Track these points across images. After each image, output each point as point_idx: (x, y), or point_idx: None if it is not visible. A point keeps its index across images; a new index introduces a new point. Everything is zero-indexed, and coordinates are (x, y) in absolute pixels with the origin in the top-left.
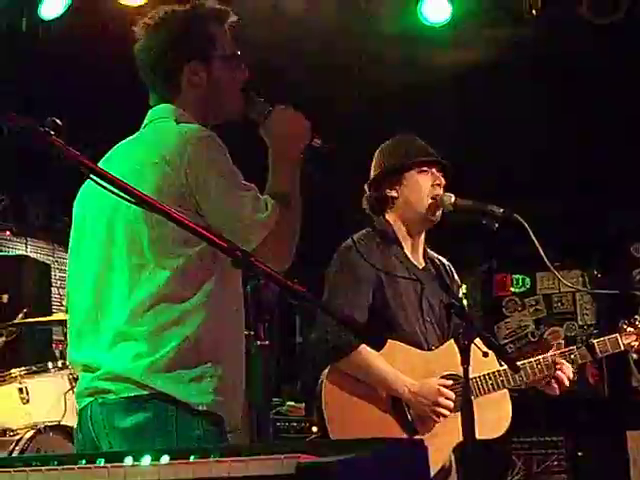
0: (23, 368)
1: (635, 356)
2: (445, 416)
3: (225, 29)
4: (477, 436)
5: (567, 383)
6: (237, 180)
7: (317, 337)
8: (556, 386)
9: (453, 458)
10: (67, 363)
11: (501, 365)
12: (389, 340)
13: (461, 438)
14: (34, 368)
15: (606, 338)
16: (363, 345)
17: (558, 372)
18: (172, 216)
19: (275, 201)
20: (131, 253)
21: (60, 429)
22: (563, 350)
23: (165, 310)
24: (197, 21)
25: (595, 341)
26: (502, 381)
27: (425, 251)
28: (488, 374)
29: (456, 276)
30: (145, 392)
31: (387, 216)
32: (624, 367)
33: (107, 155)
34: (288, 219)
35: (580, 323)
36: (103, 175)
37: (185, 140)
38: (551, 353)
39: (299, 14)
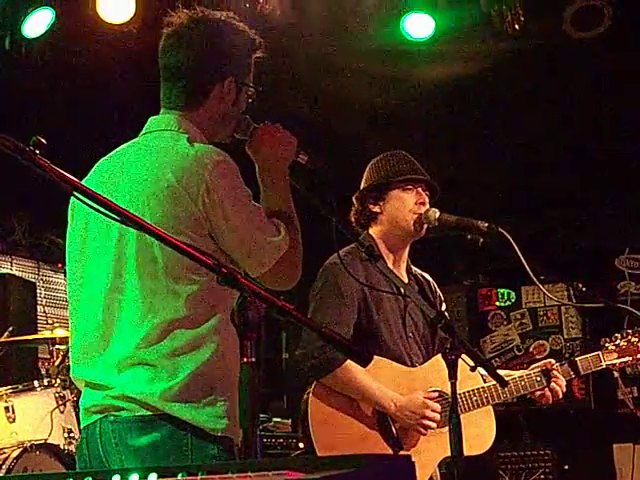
0: (9, 387)
1: (616, 374)
2: (432, 429)
3: (254, 59)
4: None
5: (560, 395)
6: (251, 204)
7: (302, 353)
8: (549, 395)
9: (438, 474)
10: (53, 381)
11: (485, 381)
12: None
13: (446, 454)
14: (20, 387)
15: (588, 356)
16: (348, 361)
17: (553, 384)
18: (167, 240)
19: (282, 222)
20: (144, 275)
21: (47, 447)
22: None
23: (179, 336)
24: (249, 45)
25: (578, 359)
26: (487, 398)
27: (408, 267)
28: (473, 390)
29: (439, 292)
30: (160, 413)
31: (371, 231)
32: (610, 380)
33: (98, 165)
34: (295, 238)
35: (566, 337)
36: (90, 195)
37: (202, 165)
38: (534, 370)
39: (282, 30)
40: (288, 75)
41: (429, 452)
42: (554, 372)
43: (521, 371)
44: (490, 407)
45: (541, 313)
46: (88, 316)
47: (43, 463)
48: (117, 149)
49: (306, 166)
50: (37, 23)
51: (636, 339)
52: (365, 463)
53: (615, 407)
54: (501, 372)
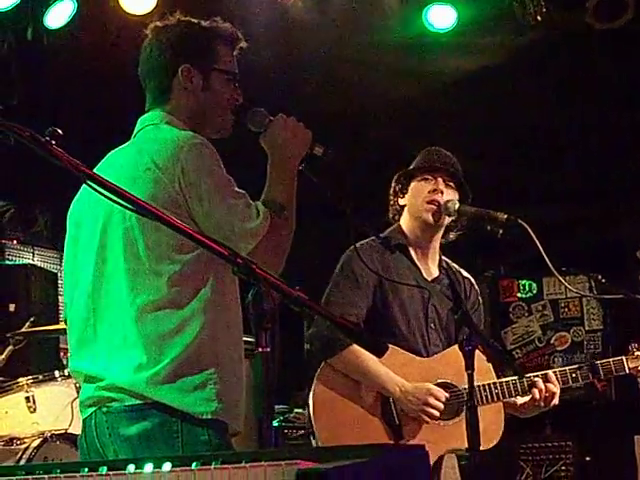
0: (30, 377)
1: None
2: (434, 417)
3: (232, 51)
4: (461, 446)
5: (549, 404)
6: (229, 187)
7: (311, 334)
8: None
9: (448, 464)
10: None
11: (500, 373)
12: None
13: (450, 446)
14: (41, 377)
15: (611, 360)
16: None
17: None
18: (176, 225)
19: (268, 209)
20: (127, 259)
21: (67, 437)
22: (564, 369)
23: (164, 317)
24: (204, 33)
25: (599, 362)
26: (497, 394)
27: (441, 260)
28: (484, 385)
29: (474, 290)
30: (149, 401)
31: (401, 223)
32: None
33: (100, 163)
34: (280, 228)
35: (587, 328)
36: (103, 183)
37: (178, 147)
38: (552, 371)
39: (303, 25)
40: (309, 69)
41: (431, 444)
42: (550, 376)
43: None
44: (500, 404)
45: (562, 305)
46: (78, 308)
47: (63, 453)
48: (112, 152)
49: (322, 158)
50: (59, 14)
51: None
52: (378, 453)
53: (637, 399)
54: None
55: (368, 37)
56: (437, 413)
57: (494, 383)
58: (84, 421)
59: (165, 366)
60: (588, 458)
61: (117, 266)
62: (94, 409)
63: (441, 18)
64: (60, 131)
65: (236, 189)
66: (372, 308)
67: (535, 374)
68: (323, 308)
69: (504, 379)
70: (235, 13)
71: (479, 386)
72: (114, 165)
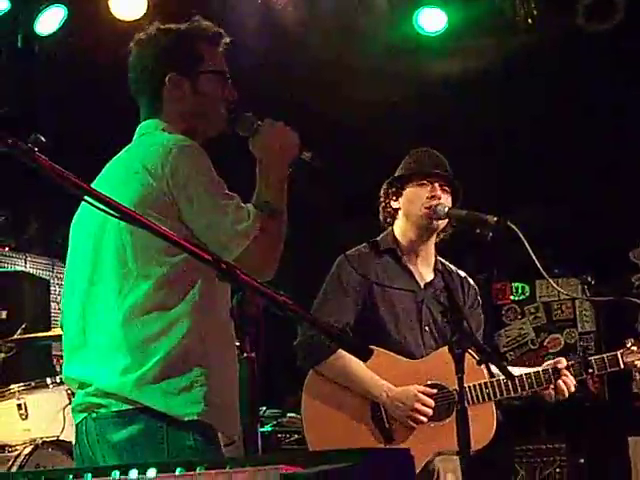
0: (22, 384)
1: (639, 376)
2: (422, 422)
3: (216, 49)
4: (452, 448)
5: (566, 394)
6: (219, 189)
7: (297, 342)
8: (552, 393)
9: (439, 467)
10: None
11: (492, 375)
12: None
13: (440, 448)
14: (33, 384)
15: (605, 356)
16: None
17: (558, 381)
18: (157, 231)
19: (259, 211)
20: (116, 263)
21: (59, 444)
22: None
23: (151, 320)
24: (185, 38)
25: (593, 359)
26: (488, 393)
27: (436, 263)
28: (475, 385)
29: (473, 289)
30: (135, 406)
31: (394, 227)
32: (625, 373)
33: (101, 173)
34: (272, 230)
35: (580, 330)
36: (88, 191)
37: (167, 149)
38: (543, 367)
39: (291, 28)
40: (299, 72)
41: (422, 445)
42: (563, 370)
43: (533, 368)
44: (492, 404)
45: (555, 307)
46: (70, 314)
47: (55, 460)
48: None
49: (310, 164)
50: (50, 20)
51: None
52: (362, 458)
53: (630, 400)
54: (515, 369)
55: (357, 40)
56: (424, 418)
57: (485, 383)
58: (77, 427)
59: (151, 368)
60: (582, 460)
61: (107, 270)
62: (84, 415)
63: (431, 21)
64: (43, 138)
65: (226, 191)
66: (361, 313)
67: (545, 368)
68: (308, 313)
69: (495, 379)
70: (223, 15)
71: (469, 386)
72: (109, 174)
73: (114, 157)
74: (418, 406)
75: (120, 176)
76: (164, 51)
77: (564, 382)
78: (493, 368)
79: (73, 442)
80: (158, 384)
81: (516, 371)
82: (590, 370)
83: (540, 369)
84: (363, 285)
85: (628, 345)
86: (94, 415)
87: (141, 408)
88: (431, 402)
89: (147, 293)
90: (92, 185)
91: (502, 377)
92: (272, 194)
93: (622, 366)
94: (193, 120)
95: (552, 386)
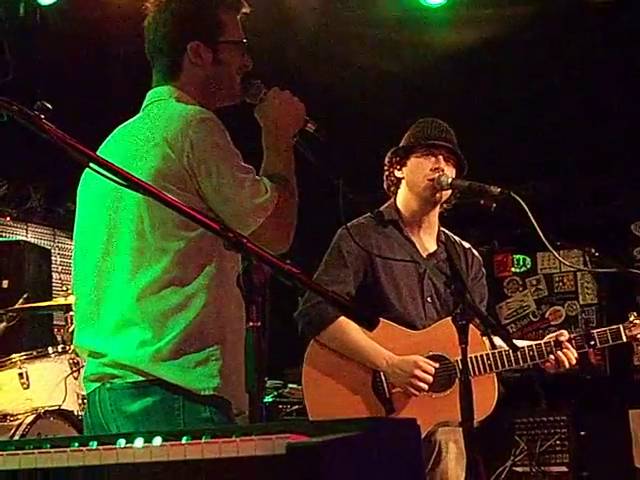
0: (23, 353)
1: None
2: (422, 390)
3: (236, 17)
4: (452, 419)
5: (567, 366)
6: (237, 163)
7: (299, 311)
8: (552, 365)
9: (441, 439)
10: (67, 348)
11: (494, 347)
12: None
13: (441, 419)
14: (34, 353)
15: (607, 329)
16: (342, 317)
17: (559, 352)
18: (163, 198)
19: (273, 183)
20: (133, 237)
21: (60, 413)
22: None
23: (168, 295)
24: (208, 4)
25: (595, 332)
26: (490, 364)
27: (439, 234)
28: (477, 356)
29: (477, 259)
30: (151, 378)
31: (397, 197)
32: (626, 346)
33: (108, 138)
34: (286, 201)
35: (582, 302)
36: (94, 158)
37: (187, 122)
38: (545, 340)
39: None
40: (300, 43)
41: (422, 416)
42: (565, 343)
43: (535, 341)
44: (493, 375)
45: (557, 279)
46: (84, 283)
47: (57, 429)
48: (122, 124)
49: (314, 135)
50: None
51: None
52: (369, 427)
53: (631, 373)
54: (517, 341)
55: (360, 11)
56: (425, 386)
57: (487, 354)
58: (88, 396)
59: (168, 342)
60: (583, 432)
61: (124, 243)
62: (98, 385)
63: None
64: (49, 105)
65: (243, 164)
66: (363, 284)
67: (547, 340)
68: (313, 282)
69: (497, 350)
70: None
71: (471, 357)
72: (123, 140)
73: (120, 126)
74: (418, 373)
75: (139, 147)
76: (187, 16)
77: (565, 354)
78: (495, 339)
79: (75, 411)
80: (175, 358)
81: (519, 343)
82: (592, 342)
83: (542, 342)
84: (364, 256)
85: (631, 318)
86: (108, 385)
87: (157, 380)
88: (431, 370)
89: (165, 268)
90: (98, 153)
91: (504, 348)
92: (281, 163)
93: (624, 339)
94: (210, 89)
95: (553, 358)
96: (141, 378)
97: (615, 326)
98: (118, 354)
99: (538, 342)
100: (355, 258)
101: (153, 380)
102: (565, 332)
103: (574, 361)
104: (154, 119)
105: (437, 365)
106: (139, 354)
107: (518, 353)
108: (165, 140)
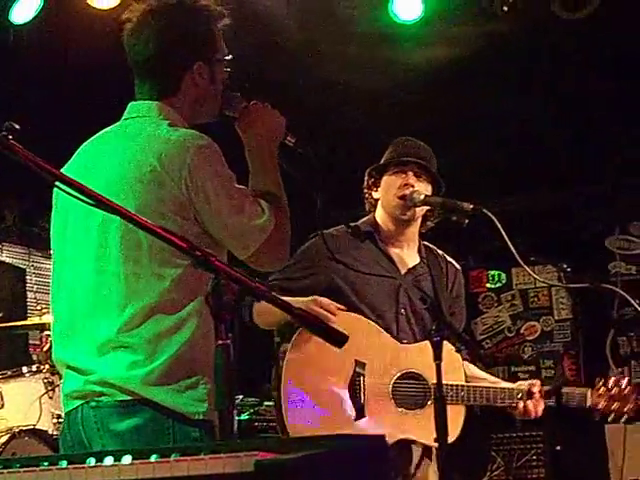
0: None
1: (596, 417)
2: (332, 312)
3: (219, 30)
4: (419, 439)
5: (532, 416)
6: (234, 187)
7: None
8: (520, 412)
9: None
10: (42, 367)
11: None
12: (350, 314)
13: (405, 435)
14: (9, 373)
15: (576, 390)
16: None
17: (528, 402)
18: (135, 219)
19: (268, 203)
20: (127, 260)
21: (35, 433)
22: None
23: (162, 320)
24: (203, 20)
25: (565, 390)
26: (462, 397)
27: (420, 248)
28: (452, 385)
29: (458, 278)
30: (141, 398)
31: (376, 216)
32: (601, 361)
33: (83, 149)
34: (282, 220)
35: (557, 318)
36: (61, 178)
37: (185, 149)
38: (517, 385)
39: (269, 16)
40: (277, 60)
41: (389, 429)
42: (536, 394)
43: (508, 383)
44: (462, 407)
45: (532, 294)
46: (70, 298)
47: (31, 448)
48: (98, 134)
49: (294, 148)
50: (25, 9)
51: (629, 389)
52: (338, 444)
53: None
54: (492, 379)
55: (333, 27)
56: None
57: (461, 385)
58: (68, 414)
59: (160, 365)
60: (559, 447)
61: (116, 266)
62: (80, 402)
63: (407, 9)
64: (17, 125)
65: (239, 186)
66: (337, 293)
67: (519, 387)
68: (283, 300)
69: (472, 384)
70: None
71: (447, 385)
72: (105, 157)
73: (94, 137)
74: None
75: (134, 170)
76: (186, 33)
77: (533, 405)
78: (471, 368)
79: (50, 431)
80: (166, 381)
81: (491, 380)
82: (561, 398)
83: (514, 386)
84: (333, 265)
85: (598, 385)
86: (93, 404)
87: (147, 400)
88: (333, 308)
89: (161, 293)
90: (71, 168)
91: (479, 385)
92: (271, 182)
93: (587, 405)
94: (202, 107)
95: (522, 405)
96: (130, 397)
97: (583, 390)
98: (107, 373)
99: (511, 386)
100: (315, 260)
101: (142, 400)
102: (538, 382)
103: (540, 413)
104: (144, 141)
105: (411, 382)
106: (130, 375)
107: (490, 392)
108: (163, 166)
